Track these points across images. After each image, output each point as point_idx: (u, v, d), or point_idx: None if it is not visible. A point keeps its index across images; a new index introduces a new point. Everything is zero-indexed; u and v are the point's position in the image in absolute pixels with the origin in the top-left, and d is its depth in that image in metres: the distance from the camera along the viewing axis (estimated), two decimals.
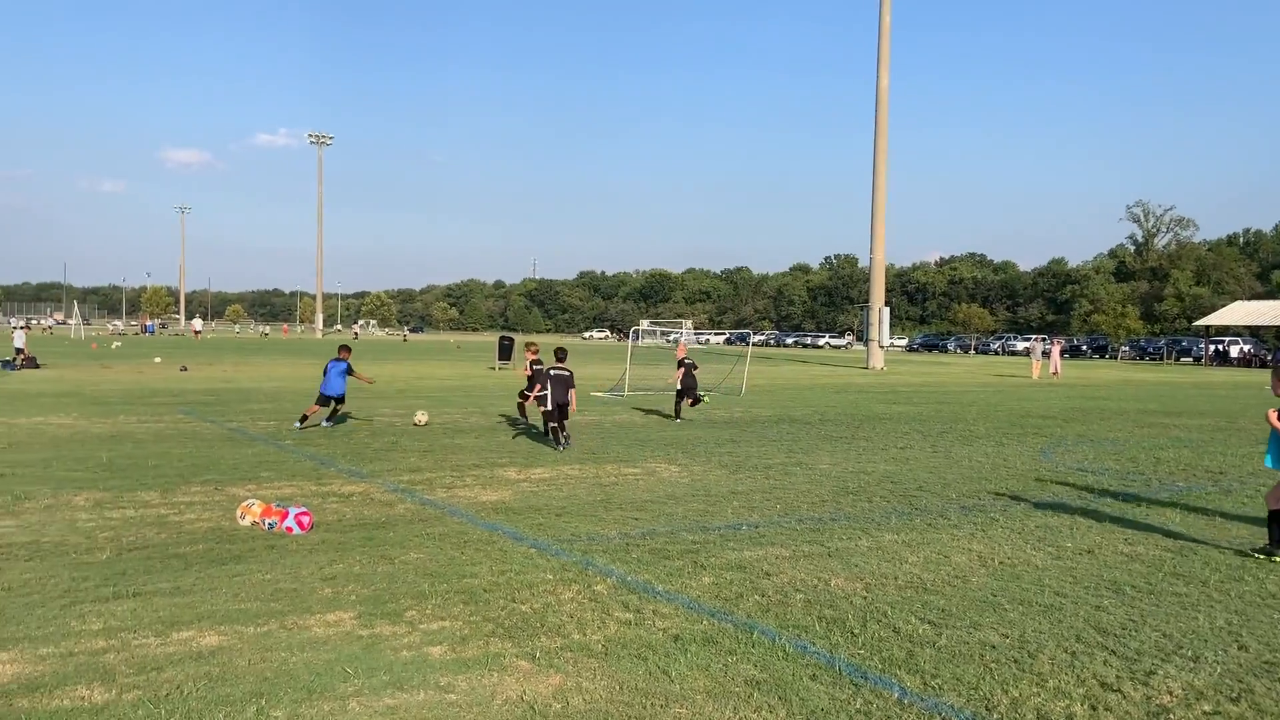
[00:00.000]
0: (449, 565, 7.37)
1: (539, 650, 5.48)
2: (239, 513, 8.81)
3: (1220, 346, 78.52)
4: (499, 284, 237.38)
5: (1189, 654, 5.58)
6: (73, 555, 7.48)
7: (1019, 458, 14.69)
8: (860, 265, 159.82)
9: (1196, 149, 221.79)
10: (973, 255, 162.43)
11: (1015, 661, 5.43)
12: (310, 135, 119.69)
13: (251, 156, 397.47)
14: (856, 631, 5.92)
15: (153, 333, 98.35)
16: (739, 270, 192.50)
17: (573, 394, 15.02)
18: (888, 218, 52.82)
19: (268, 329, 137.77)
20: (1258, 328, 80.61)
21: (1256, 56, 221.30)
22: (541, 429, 16.10)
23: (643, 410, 21.50)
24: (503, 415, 19.51)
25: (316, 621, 5.92)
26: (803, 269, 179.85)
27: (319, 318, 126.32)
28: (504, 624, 5.95)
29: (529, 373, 16.39)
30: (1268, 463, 8.38)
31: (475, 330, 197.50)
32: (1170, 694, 5.03)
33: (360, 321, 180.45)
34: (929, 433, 18.07)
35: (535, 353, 16.85)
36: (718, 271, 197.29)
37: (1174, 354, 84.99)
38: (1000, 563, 7.79)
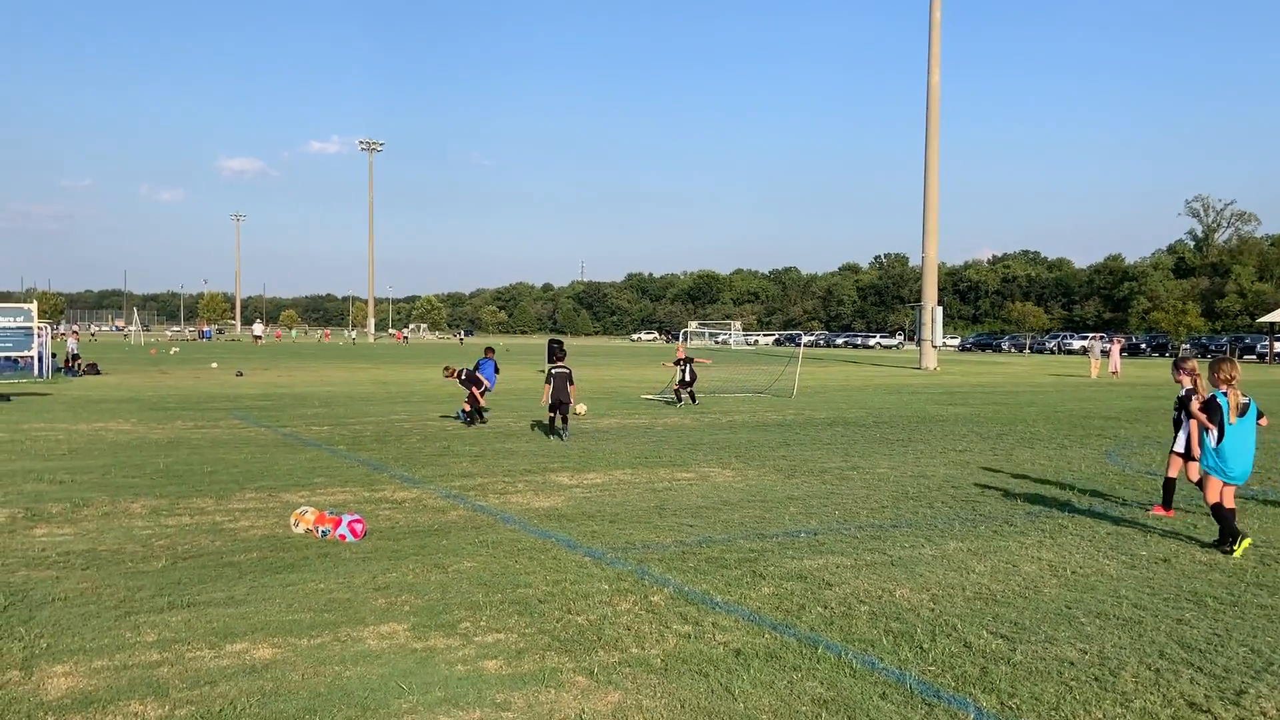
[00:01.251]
0: (503, 574, 7.26)
1: (597, 665, 5.33)
2: (292, 520, 8.79)
3: (1222, 344, 76.02)
4: (547, 287, 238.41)
5: None
6: (129, 564, 7.49)
7: (1083, 461, 14.25)
8: (911, 264, 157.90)
9: (1258, 142, 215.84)
10: (1026, 252, 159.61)
11: (1096, 680, 5.16)
12: (361, 142, 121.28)
13: (304, 164, 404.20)
14: (926, 646, 5.68)
15: (209, 338, 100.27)
16: (787, 271, 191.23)
17: (572, 390, 16.64)
18: (939, 215, 52.01)
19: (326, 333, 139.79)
20: None
21: None
22: (546, 427, 17.30)
23: (695, 413, 21.30)
24: (542, 426, 19.45)
25: (370, 633, 5.82)
26: (852, 268, 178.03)
27: (370, 322, 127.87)
28: (560, 636, 5.81)
29: (453, 376, 19.00)
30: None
31: (524, 333, 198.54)
32: (1264, 715, 4.74)
33: (411, 325, 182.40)
34: (987, 435, 17.64)
35: (490, 354, 19.71)
36: (766, 272, 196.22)
37: (1238, 351, 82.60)
38: (1072, 572, 7.48)
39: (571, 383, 16.64)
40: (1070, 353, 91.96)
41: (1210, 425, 8.32)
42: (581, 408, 20.62)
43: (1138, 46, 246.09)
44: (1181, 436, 9.78)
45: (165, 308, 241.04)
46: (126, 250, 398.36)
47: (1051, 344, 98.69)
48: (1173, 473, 9.85)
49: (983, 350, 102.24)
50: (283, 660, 5.36)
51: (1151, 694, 4.98)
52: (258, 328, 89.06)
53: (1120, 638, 5.86)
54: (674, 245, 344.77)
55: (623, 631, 5.92)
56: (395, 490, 10.96)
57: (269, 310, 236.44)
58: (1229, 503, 8.26)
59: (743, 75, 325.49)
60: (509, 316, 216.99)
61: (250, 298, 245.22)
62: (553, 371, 16.69)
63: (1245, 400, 8.41)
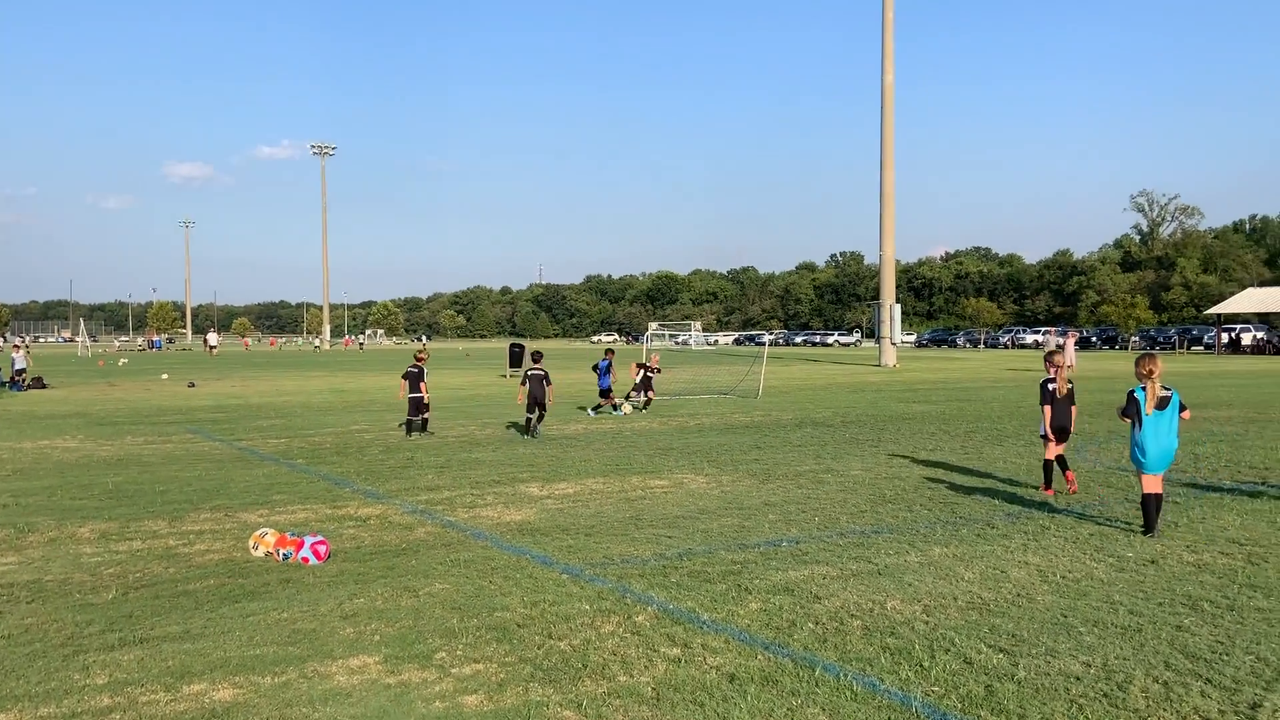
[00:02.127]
0: (477, 597, 6.92)
1: (584, 697, 5.02)
2: (251, 542, 8.38)
3: (1232, 334, 77.73)
4: (506, 290, 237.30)
5: None
6: (77, 595, 7.04)
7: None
8: (866, 262, 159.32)
9: (1200, 137, 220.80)
10: (978, 249, 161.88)
11: (1105, 696, 4.96)
12: (313, 146, 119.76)
13: (254, 169, 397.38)
14: (926, 664, 5.45)
15: (160, 348, 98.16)
16: (745, 270, 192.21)
17: (549, 389, 17.18)
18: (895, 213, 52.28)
19: (283, 340, 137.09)
20: (1269, 314, 79.76)
21: (1257, 42, 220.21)
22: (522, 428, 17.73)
23: (663, 417, 21.04)
24: (512, 424, 19.08)
25: (339, 668, 5.47)
26: (809, 267, 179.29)
27: (326, 328, 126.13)
28: (542, 665, 5.49)
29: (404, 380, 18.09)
30: None
31: (483, 337, 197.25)
32: None
33: (368, 331, 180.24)
34: (955, 433, 17.58)
35: (423, 359, 18.33)
36: (724, 272, 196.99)
37: (1186, 343, 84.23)
38: (1062, 577, 7.31)
39: (549, 383, 17.16)
40: (1023, 347, 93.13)
41: (1126, 417, 8.90)
42: (627, 408, 22.10)
43: (1082, 46, 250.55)
44: (1048, 419, 10.91)
45: (113, 317, 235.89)
46: (72, 259, 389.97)
47: (1005, 339, 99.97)
48: (1050, 455, 10.98)
49: (939, 346, 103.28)
50: (245, 703, 4.99)
51: (1164, 710, 4.79)
52: (212, 337, 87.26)
53: (1122, 648, 5.68)
54: (632, 247, 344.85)
55: (608, 657, 5.62)
56: (359, 506, 10.56)
57: (221, 318, 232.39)
58: (1153, 489, 8.74)
59: (698, 78, 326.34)
60: (467, 320, 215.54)
61: (201, 305, 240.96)
62: (529, 373, 17.15)
63: (1166, 394, 8.76)
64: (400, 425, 17.89)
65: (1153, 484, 8.77)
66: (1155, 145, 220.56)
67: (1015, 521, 9.46)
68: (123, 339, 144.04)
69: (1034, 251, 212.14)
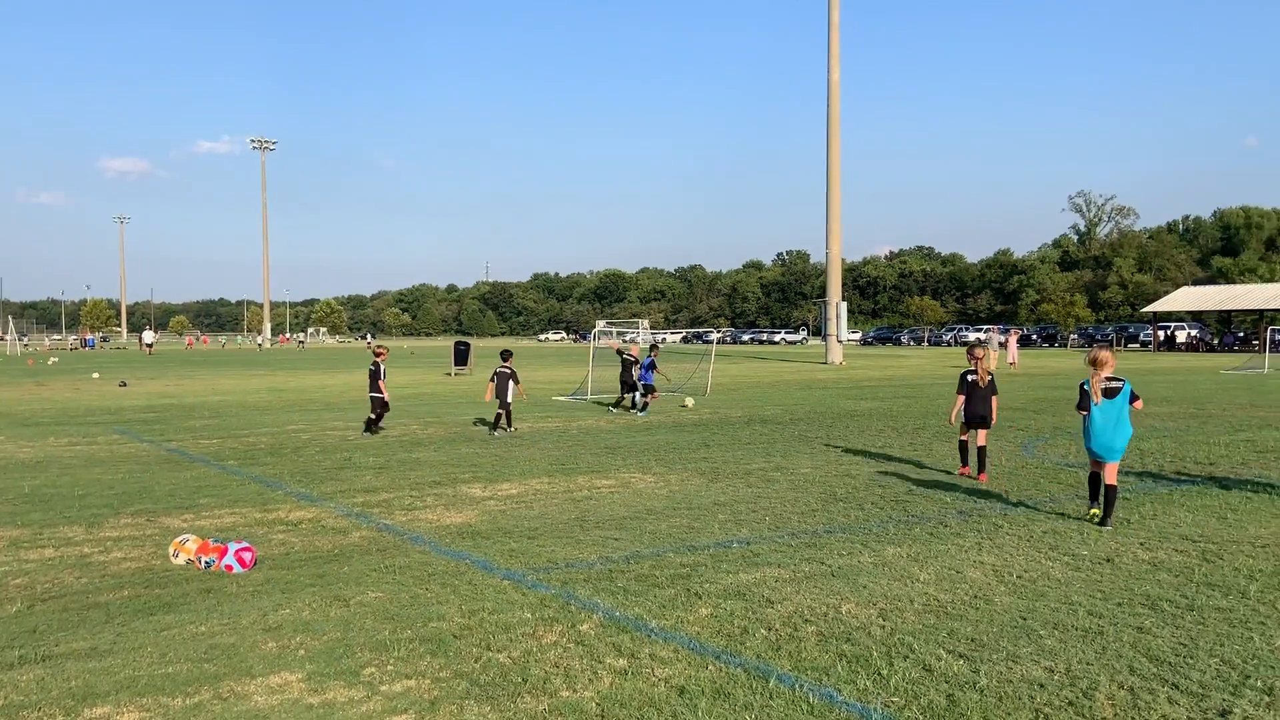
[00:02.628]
0: (412, 606, 6.53)
1: (523, 715, 4.68)
2: (172, 549, 7.88)
3: (1167, 332, 79.58)
4: (452, 288, 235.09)
5: (1259, 685, 4.94)
6: None
7: (1001, 454, 14.14)
8: (812, 261, 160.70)
9: (1136, 139, 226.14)
10: (921, 248, 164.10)
11: (1071, 704, 4.74)
12: (253, 141, 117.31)
13: (193, 164, 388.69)
14: (884, 672, 5.19)
15: (93, 346, 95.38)
16: (693, 269, 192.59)
17: (518, 389, 17.37)
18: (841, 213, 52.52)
19: (224, 339, 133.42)
20: (1201, 313, 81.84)
21: (1190, 47, 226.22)
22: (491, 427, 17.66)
23: (609, 415, 20.70)
24: (482, 420, 18.62)
25: (258, 687, 5.05)
26: (756, 266, 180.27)
27: (266, 327, 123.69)
28: (479, 680, 5.14)
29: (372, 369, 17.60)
30: None
31: (429, 335, 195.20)
32: None
33: (310, 329, 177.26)
34: (904, 429, 17.51)
35: (382, 356, 17.79)
36: (672, 270, 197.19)
37: (1123, 341, 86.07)
38: (1018, 577, 7.13)
39: (517, 381, 17.31)
40: (966, 344, 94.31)
41: (1081, 410, 9.15)
42: (690, 400, 23.21)
43: (1021, 49, 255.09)
44: (961, 407, 12.09)
45: (45, 315, 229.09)
46: (2, 255, 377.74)
47: (948, 336, 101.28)
48: (963, 436, 12.29)
49: (884, 344, 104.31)
50: None
51: (1132, 718, 4.58)
52: (148, 335, 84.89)
53: (1085, 652, 5.48)
54: (580, 245, 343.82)
55: (550, 670, 5.28)
56: (291, 510, 10.08)
57: (158, 316, 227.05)
58: (1110, 479, 8.93)
59: (646, 79, 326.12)
60: (412, 318, 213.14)
61: (137, 303, 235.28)
62: (497, 371, 17.36)
63: (1116, 384, 8.97)
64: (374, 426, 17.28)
65: (1110, 473, 8.93)
66: (1093, 146, 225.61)
67: (968, 520, 9.30)
68: (54, 337, 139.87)
69: (975, 251, 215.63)
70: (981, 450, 11.84)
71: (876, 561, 7.65)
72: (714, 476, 12.08)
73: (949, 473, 12.33)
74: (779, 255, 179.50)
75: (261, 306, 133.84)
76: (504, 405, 17.06)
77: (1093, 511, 9.04)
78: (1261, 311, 76.04)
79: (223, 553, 7.57)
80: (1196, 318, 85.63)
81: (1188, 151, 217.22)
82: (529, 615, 6.29)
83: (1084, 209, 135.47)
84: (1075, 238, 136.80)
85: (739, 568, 7.48)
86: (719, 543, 8.36)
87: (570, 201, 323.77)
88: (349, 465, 13.32)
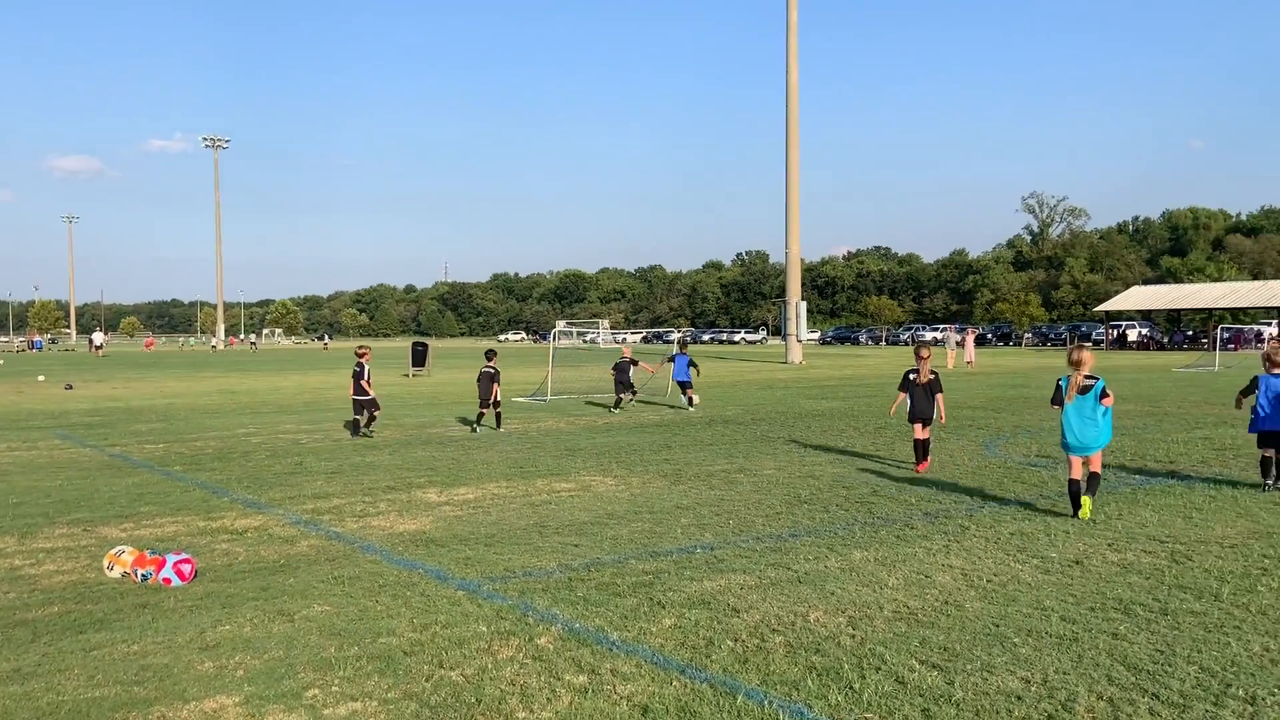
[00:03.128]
0: (360, 620, 6.21)
1: None
2: (107, 562, 7.48)
3: (1119, 330, 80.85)
4: (410, 288, 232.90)
5: (1241, 694, 4.79)
6: None
7: (964, 453, 14.07)
8: (771, 261, 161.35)
9: (1087, 140, 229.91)
10: (878, 248, 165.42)
11: (1050, 717, 4.55)
12: (205, 139, 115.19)
13: (145, 162, 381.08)
14: (856, 686, 4.98)
15: (41, 349, 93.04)
16: (653, 269, 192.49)
17: (496, 388, 17.59)
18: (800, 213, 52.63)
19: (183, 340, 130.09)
20: (1151, 311, 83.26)
21: (1139, 49, 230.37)
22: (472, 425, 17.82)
23: (571, 416, 20.41)
24: (468, 420, 18.21)
25: (191, 712, 4.72)
26: (715, 266, 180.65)
27: (220, 328, 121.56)
28: (430, 702, 4.84)
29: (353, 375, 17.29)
30: None
31: (387, 336, 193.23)
32: None
33: (265, 330, 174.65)
34: (865, 429, 17.41)
35: (366, 356, 17.43)
36: (632, 270, 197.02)
37: (1076, 339, 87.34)
38: (988, 581, 6.96)
39: (497, 382, 17.65)
40: (916, 345, 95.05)
41: (1055, 404, 9.39)
42: (697, 398, 23.21)
43: (974, 50, 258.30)
44: (902, 403, 12.71)
45: None
46: None
47: (905, 336, 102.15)
48: (917, 436, 12.59)
49: (842, 343, 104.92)
50: None
51: None
52: (98, 336, 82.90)
53: (1060, 660, 5.31)
54: (540, 245, 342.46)
55: (506, 689, 5.00)
56: (236, 517, 9.67)
57: (108, 317, 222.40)
58: (1075, 474, 9.14)
59: (607, 77, 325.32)
60: (370, 319, 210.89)
61: (87, 304, 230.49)
62: (481, 371, 17.84)
63: (1089, 381, 9.15)
64: (365, 429, 16.92)
65: (1077, 467, 9.16)
66: (1045, 148, 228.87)
67: (934, 521, 9.15)
68: (1, 339, 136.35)
69: (931, 251, 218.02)
70: (926, 443, 12.58)
71: (844, 566, 7.45)
72: (676, 479, 11.84)
73: (911, 472, 12.20)
74: (738, 255, 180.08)
75: (215, 307, 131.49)
76: (491, 404, 17.54)
77: (1085, 501, 9.06)
78: (1210, 310, 77.53)
79: (160, 565, 7.19)
80: (1146, 316, 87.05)
81: (1137, 153, 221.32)
82: (484, 629, 6.00)
83: (1037, 210, 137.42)
84: (1028, 238, 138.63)
85: (703, 574, 7.25)
86: (682, 548, 8.12)
87: (530, 201, 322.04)
88: (300, 470, 12.90)
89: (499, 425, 17.68)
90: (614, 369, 22.53)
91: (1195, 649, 5.44)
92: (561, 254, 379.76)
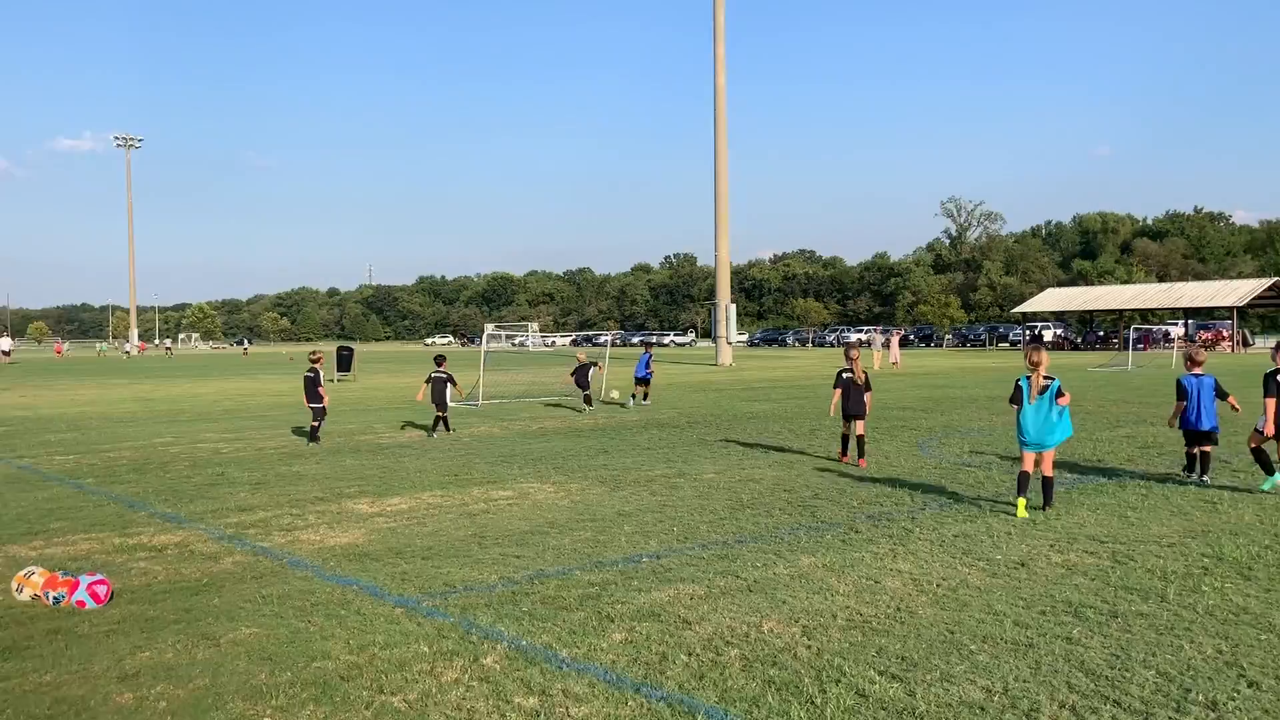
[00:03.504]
0: (292, 643, 5.87)
1: None
2: (14, 584, 6.99)
3: (1035, 331, 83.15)
4: (333, 291, 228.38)
5: (1202, 699, 4.77)
6: None
7: (899, 455, 14.15)
8: (699, 264, 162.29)
9: (1002, 146, 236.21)
10: (803, 251, 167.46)
11: None
12: (117, 138, 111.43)
13: (52, 162, 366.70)
14: (817, 701, 4.84)
15: None
16: (581, 271, 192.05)
17: (451, 390, 17.89)
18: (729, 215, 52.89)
19: (101, 346, 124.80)
20: (1064, 313, 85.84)
21: (1046, 56, 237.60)
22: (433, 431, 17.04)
23: (504, 420, 20.06)
24: (419, 427, 17.69)
25: None
26: (644, 269, 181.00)
27: (133, 333, 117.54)
28: None
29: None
30: None
31: (309, 340, 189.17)
32: None
33: (182, 335, 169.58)
34: (800, 431, 17.44)
35: (319, 361, 17.38)
36: (560, 273, 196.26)
37: (994, 340, 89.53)
38: (938, 586, 6.91)
39: (453, 384, 17.88)
40: (846, 346, 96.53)
41: (1014, 403, 9.66)
42: (615, 393, 24.86)
43: (896, 58, 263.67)
44: (838, 401, 13.24)
45: None
46: None
47: (831, 337, 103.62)
48: (845, 430, 13.29)
49: (770, 345, 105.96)
50: None
51: None
52: (4, 342, 79.15)
53: (1019, 667, 5.24)
54: (467, 247, 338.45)
55: (452, 714, 4.74)
56: (155, 533, 9.18)
57: (15, 322, 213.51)
58: (1028, 466, 9.49)
59: (534, 79, 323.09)
60: (292, 323, 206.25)
61: None
62: (432, 375, 17.90)
63: (1047, 382, 9.47)
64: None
65: (1029, 460, 9.51)
66: (963, 153, 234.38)
67: (878, 524, 9.11)
68: None
69: (855, 254, 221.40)
70: (861, 439, 13.13)
71: (793, 573, 7.33)
72: (615, 485, 11.63)
73: (851, 475, 12.19)
74: (666, 258, 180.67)
75: (128, 311, 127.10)
76: (443, 409, 17.68)
77: (1019, 502, 9.36)
78: (1120, 311, 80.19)
79: (73, 586, 6.74)
80: (1060, 318, 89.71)
81: (1049, 159, 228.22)
82: (426, 649, 5.72)
83: (955, 214, 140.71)
84: (947, 241, 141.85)
85: (651, 585, 7.06)
86: (628, 558, 7.92)
87: (456, 203, 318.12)
88: (222, 481, 12.37)
89: (448, 428, 17.77)
90: (573, 373, 23.19)
91: (1150, 652, 5.43)
92: (489, 256, 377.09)
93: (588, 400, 22.95)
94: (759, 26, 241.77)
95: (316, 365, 16.93)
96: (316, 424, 16.48)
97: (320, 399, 16.54)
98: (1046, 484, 9.54)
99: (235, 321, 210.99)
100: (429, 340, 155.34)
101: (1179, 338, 66.30)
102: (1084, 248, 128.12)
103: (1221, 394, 11.22)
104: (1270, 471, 10.35)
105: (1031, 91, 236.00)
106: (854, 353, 13.45)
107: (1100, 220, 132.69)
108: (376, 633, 6.03)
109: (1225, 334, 70.01)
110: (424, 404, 18.26)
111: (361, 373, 41.48)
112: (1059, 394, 9.41)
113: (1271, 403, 10.25)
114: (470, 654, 5.60)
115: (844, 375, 13.13)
